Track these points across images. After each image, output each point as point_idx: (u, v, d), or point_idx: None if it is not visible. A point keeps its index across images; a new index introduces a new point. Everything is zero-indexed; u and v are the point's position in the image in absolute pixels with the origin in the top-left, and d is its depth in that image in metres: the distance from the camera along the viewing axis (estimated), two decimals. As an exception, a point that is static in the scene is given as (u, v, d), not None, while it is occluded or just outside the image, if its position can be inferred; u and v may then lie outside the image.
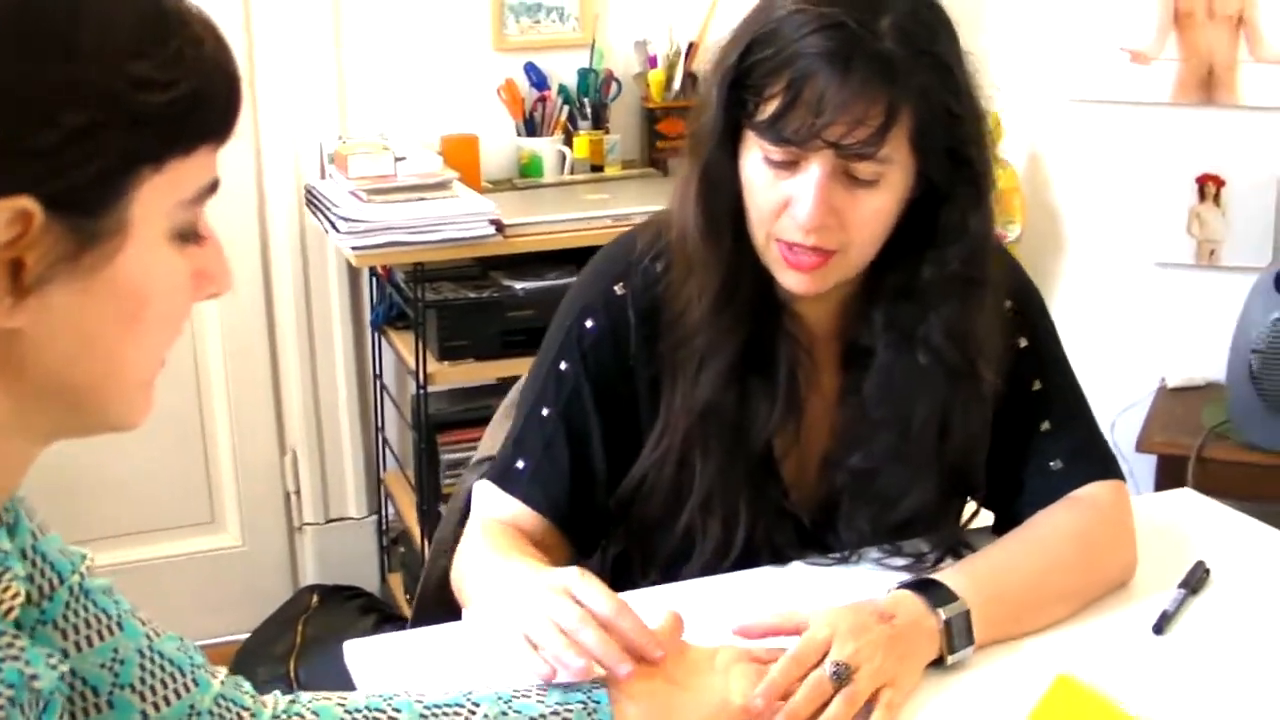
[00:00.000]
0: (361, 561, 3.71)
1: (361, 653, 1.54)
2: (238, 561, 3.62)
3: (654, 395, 1.66)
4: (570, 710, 1.29)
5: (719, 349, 1.59)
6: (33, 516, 1.06)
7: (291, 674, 3.23)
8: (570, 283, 3.08)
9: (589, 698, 1.31)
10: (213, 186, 0.93)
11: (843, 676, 1.36)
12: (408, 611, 3.45)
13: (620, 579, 1.75)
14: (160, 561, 3.51)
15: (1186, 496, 1.93)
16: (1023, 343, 1.68)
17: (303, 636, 3.32)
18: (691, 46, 3.58)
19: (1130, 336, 3.49)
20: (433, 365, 3.12)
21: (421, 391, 3.15)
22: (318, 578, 3.67)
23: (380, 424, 3.65)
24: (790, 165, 1.49)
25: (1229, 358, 3.09)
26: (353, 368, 3.60)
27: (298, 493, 3.67)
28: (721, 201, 1.55)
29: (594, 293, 1.68)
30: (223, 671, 1.22)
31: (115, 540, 3.36)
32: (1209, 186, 3.34)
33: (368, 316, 3.55)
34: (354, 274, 3.52)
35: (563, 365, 1.67)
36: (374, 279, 3.49)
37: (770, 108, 1.47)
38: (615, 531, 1.74)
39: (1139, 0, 3.30)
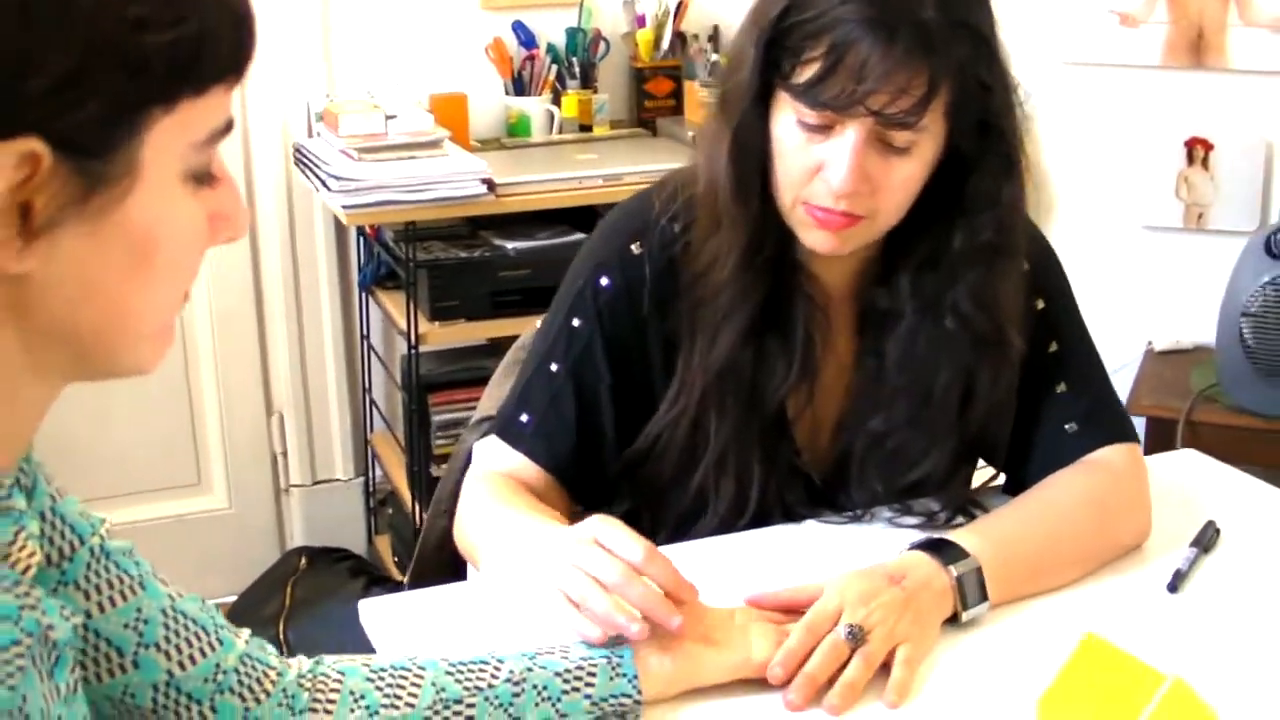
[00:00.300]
0: (348, 523, 3.70)
1: (377, 612, 1.53)
2: (225, 523, 3.61)
3: (667, 355, 1.65)
4: (595, 665, 1.29)
5: (739, 308, 1.59)
6: (51, 480, 1.05)
7: (281, 636, 3.23)
8: (562, 242, 3.12)
9: (613, 653, 1.31)
10: (227, 127, 0.91)
11: (858, 637, 1.36)
12: (396, 573, 3.46)
13: None
14: (147, 524, 3.49)
15: (1189, 457, 1.94)
16: (1040, 304, 1.68)
17: (291, 598, 3.31)
18: (680, 6, 3.57)
19: (1118, 299, 3.48)
20: (424, 325, 3.11)
21: (413, 352, 3.13)
22: (304, 539, 3.66)
23: (367, 385, 3.63)
24: (824, 129, 1.48)
25: (1219, 321, 3.09)
26: (340, 328, 3.59)
27: (285, 454, 3.67)
28: (751, 162, 1.54)
29: (610, 250, 1.67)
30: (246, 632, 1.21)
31: (101, 502, 3.31)
32: (1197, 150, 3.34)
33: (355, 276, 3.53)
34: (341, 233, 3.50)
35: (575, 321, 1.66)
36: (362, 239, 3.47)
37: (809, 71, 1.45)
38: (623, 490, 1.73)
39: (1129, -37, 3.30)
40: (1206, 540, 1.63)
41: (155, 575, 1.14)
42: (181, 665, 1.13)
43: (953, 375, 1.61)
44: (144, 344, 0.92)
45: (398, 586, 3.29)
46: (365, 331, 3.58)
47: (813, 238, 1.54)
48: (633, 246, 1.65)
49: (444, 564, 2.04)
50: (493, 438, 1.70)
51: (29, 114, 0.79)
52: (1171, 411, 3.11)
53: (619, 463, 1.69)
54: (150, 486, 3.54)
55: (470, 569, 1.85)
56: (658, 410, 1.66)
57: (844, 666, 1.35)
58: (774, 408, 1.65)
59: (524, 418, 1.68)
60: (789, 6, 1.47)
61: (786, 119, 1.50)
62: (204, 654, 1.14)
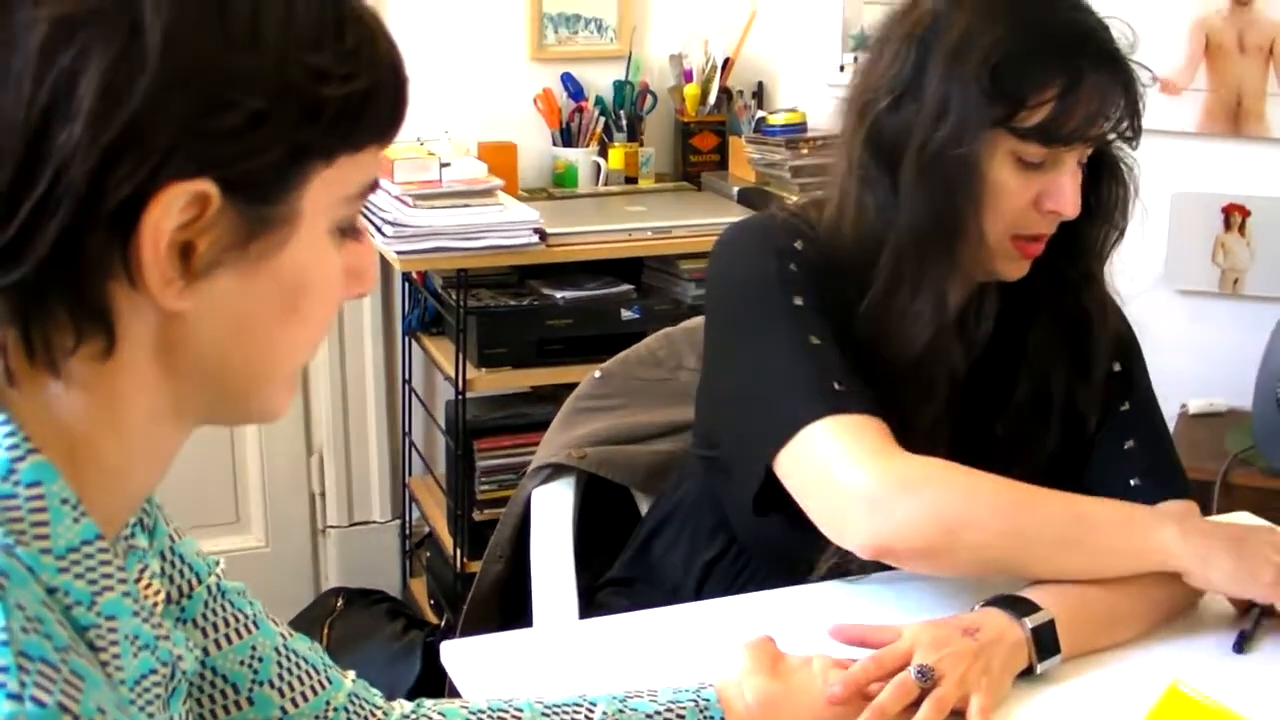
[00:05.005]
0: (383, 565, 3.73)
1: (459, 654, 1.56)
2: (261, 562, 3.62)
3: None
4: (684, 708, 1.32)
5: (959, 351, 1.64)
6: (170, 520, 1.08)
7: (318, 675, 3.23)
8: (609, 293, 3.17)
9: (699, 696, 1.33)
10: (374, 184, 0.94)
11: (928, 677, 1.38)
12: (433, 616, 3.48)
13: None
14: (185, 560, 3.51)
15: (1243, 519, 1.96)
16: (1116, 366, 1.76)
17: (328, 640, 3.32)
18: (727, 62, 3.62)
19: (1153, 362, 3.49)
20: (471, 372, 3.15)
21: (460, 397, 3.17)
22: (339, 580, 3.68)
23: (407, 428, 3.67)
24: (1041, 164, 1.56)
25: (1255, 386, 3.11)
26: (382, 372, 3.62)
27: (323, 495, 3.69)
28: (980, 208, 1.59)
29: (780, 249, 1.65)
30: (351, 672, 1.24)
31: (142, 537, 3.37)
32: (1234, 216, 3.38)
33: (399, 321, 3.57)
34: (387, 278, 3.53)
35: (797, 300, 1.61)
36: (408, 284, 3.51)
37: (1042, 113, 1.53)
38: None
39: (1170, 30, 3.33)
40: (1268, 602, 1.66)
41: (267, 615, 1.17)
42: (294, 702, 1.16)
43: (1067, 353, 1.71)
44: (278, 388, 0.95)
45: (435, 629, 3.32)
46: (407, 376, 3.62)
47: (1015, 268, 1.64)
48: (796, 244, 1.65)
49: (498, 608, 2.07)
50: (819, 422, 1.54)
51: (214, 154, 0.82)
52: (1207, 473, 3.13)
53: None
54: (188, 523, 3.43)
55: (539, 611, 1.87)
56: None
57: (914, 708, 1.38)
58: None
59: (839, 385, 1.56)
60: (1001, 60, 1.54)
61: (1003, 161, 1.57)
62: (315, 691, 1.17)
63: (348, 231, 0.94)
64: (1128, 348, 1.79)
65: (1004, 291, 1.70)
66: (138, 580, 0.97)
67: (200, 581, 1.11)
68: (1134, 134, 1.60)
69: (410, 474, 3.71)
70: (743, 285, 1.68)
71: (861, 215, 1.63)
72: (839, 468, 1.52)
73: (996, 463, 1.66)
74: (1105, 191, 1.68)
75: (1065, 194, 1.57)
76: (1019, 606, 1.50)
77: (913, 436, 1.56)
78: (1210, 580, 1.55)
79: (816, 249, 1.65)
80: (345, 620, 3.39)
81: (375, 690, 1.25)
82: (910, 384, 1.61)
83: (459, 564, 3.24)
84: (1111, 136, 1.58)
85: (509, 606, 2.06)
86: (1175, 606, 1.62)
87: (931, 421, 1.63)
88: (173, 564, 1.09)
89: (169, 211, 0.81)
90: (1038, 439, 1.70)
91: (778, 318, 1.62)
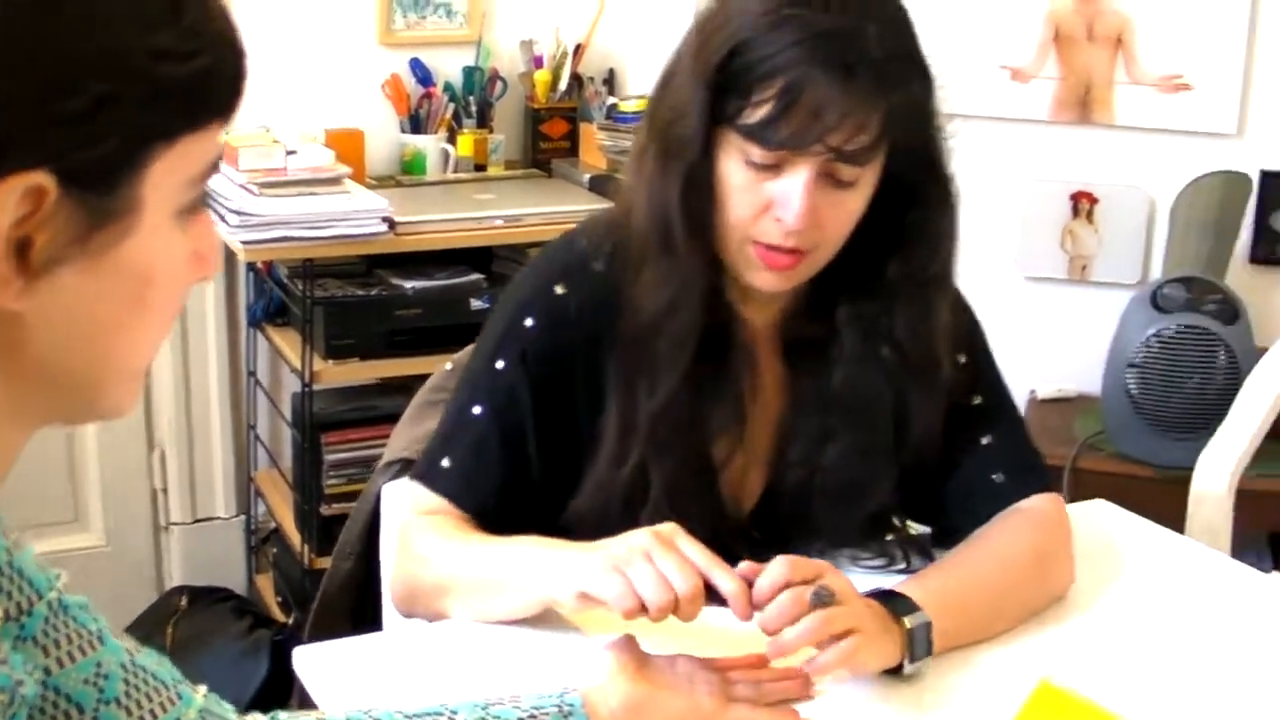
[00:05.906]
0: (228, 562, 3.64)
1: (312, 660, 1.50)
2: (101, 562, 3.51)
3: (593, 400, 1.63)
4: (546, 714, 1.28)
5: (681, 351, 1.58)
6: (8, 533, 1.02)
7: (162, 678, 3.14)
8: (459, 282, 3.12)
9: (563, 701, 1.30)
10: (215, 165, 0.91)
11: (824, 600, 1.37)
12: (279, 614, 3.40)
13: None
14: (20, 561, 3.39)
15: (1099, 507, 1.98)
16: (961, 358, 1.70)
17: (173, 639, 3.23)
18: (578, 49, 3.58)
19: (1001, 348, 3.52)
20: (318, 363, 3.09)
21: (306, 390, 3.10)
22: (183, 578, 3.58)
23: (252, 422, 3.58)
24: (772, 168, 1.49)
25: (1105, 372, 3.16)
26: (225, 364, 3.54)
27: (165, 491, 3.60)
28: (703, 202, 1.53)
29: (534, 292, 1.66)
30: (203, 686, 1.18)
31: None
32: (1083, 203, 3.42)
33: (243, 312, 3.48)
34: (231, 268, 3.45)
35: (499, 363, 1.64)
36: (252, 274, 3.43)
37: (761, 112, 1.46)
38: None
39: (1020, 18, 3.36)
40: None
41: (112, 630, 1.11)
42: (143, 720, 1.10)
43: (889, 402, 1.63)
44: (125, 386, 0.91)
45: (283, 627, 3.25)
46: (252, 368, 3.54)
47: (763, 279, 1.56)
48: (557, 288, 1.64)
49: (348, 607, 2.01)
50: (414, 483, 1.67)
51: (50, 144, 0.78)
52: (1057, 459, 3.16)
53: (560, 519, 1.64)
54: (23, 523, 3.31)
55: (388, 613, 1.82)
56: (583, 456, 1.63)
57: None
58: (707, 452, 1.64)
59: (445, 462, 1.64)
60: (735, 49, 1.48)
61: (732, 159, 1.51)
62: (164, 709, 1.12)
63: (191, 215, 0.90)
64: (970, 337, 1.73)
65: (828, 335, 1.65)
66: None
67: (40, 597, 1.05)
68: (867, 155, 1.48)
69: (255, 468, 3.63)
70: (488, 323, 1.71)
71: (626, 200, 1.64)
72: (399, 532, 1.66)
73: (817, 510, 1.66)
74: (923, 218, 1.60)
75: (787, 202, 1.48)
76: (898, 604, 1.47)
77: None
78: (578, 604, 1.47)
79: (589, 283, 1.63)
80: (190, 619, 3.30)
81: (228, 705, 1.20)
82: (639, 368, 1.59)
83: (307, 560, 3.18)
84: (826, 154, 1.46)
85: (360, 605, 2.00)
86: (1043, 603, 1.63)
87: (733, 416, 1.62)
88: (11, 579, 1.03)
89: (3, 207, 0.77)
90: (861, 488, 1.66)
91: (473, 369, 1.68)
